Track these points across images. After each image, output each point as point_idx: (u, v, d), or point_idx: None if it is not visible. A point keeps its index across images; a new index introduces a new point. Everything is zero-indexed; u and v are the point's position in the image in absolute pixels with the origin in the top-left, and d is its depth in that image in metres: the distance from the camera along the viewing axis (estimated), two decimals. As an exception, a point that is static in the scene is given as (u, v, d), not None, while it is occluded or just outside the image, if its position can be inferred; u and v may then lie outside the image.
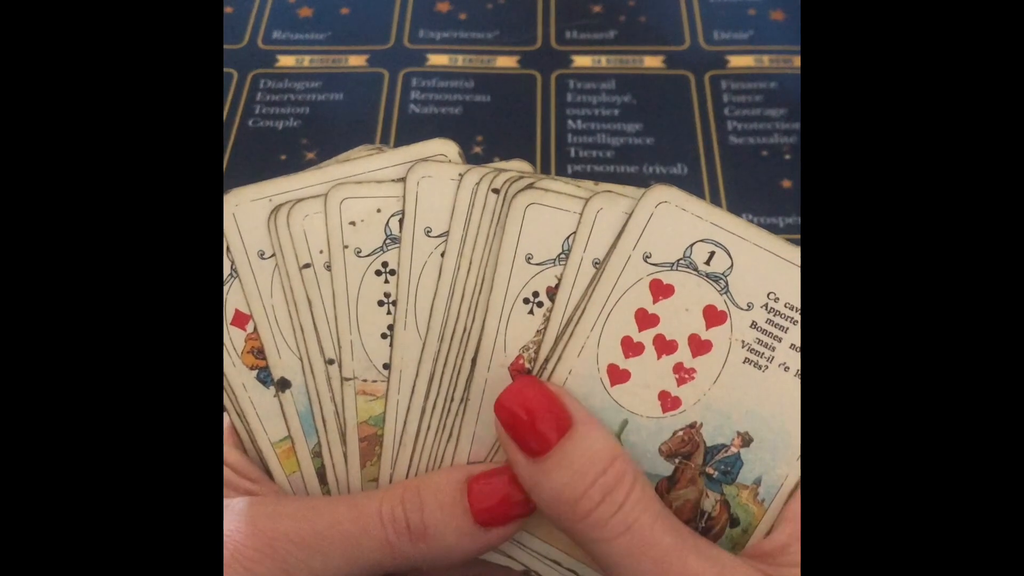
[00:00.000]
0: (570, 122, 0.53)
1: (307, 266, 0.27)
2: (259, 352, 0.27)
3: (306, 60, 0.57)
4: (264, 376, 0.27)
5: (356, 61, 0.57)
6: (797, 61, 0.55)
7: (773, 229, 0.48)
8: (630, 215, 0.26)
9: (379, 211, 0.27)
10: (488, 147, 0.52)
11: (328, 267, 0.27)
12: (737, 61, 0.56)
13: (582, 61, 0.56)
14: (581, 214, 0.26)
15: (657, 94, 0.54)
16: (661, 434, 0.26)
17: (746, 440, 0.26)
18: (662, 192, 0.26)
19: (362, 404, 0.27)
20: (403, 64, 0.57)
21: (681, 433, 0.26)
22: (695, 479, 0.26)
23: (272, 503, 0.25)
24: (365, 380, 0.27)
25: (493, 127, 0.53)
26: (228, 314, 0.27)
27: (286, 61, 0.57)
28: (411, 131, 0.53)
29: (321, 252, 0.27)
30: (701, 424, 0.26)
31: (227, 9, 0.60)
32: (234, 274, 0.27)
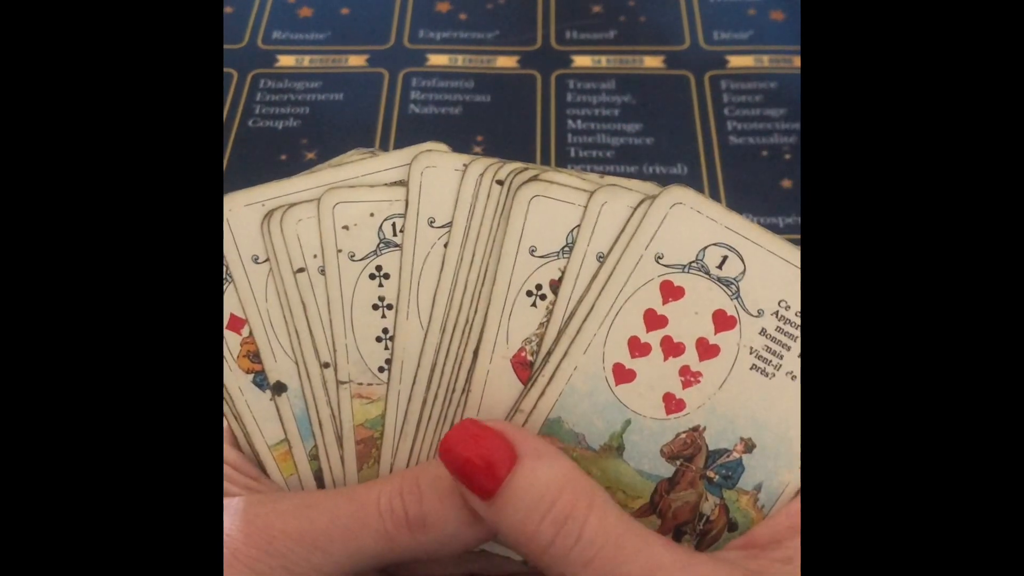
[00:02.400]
0: (570, 122, 0.53)
1: (301, 270, 0.27)
2: (255, 356, 0.27)
3: (306, 60, 0.57)
4: (260, 380, 0.27)
5: (356, 61, 0.57)
6: (797, 61, 0.55)
7: (773, 229, 0.48)
8: (644, 215, 0.26)
9: (372, 215, 0.27)
10: (488, 147, 0.52)
11: (322, 271, 0.27)
12: (737, 61, 0.56)
13: (582, 61, 0.56)
14: (586, 207, 0.26)
15: (657, 94, 0.54)
16: (664, 435, 0.26)
17: (749, 446, 0.25)
18: (678, 193, 0.26)
19: (358, 407, 0.27)
20: (403, 64, 0.57)
21: (684, 436, 0.25)
22: (695, 482, 0.26)
23: (270, 501, 0.25)
24: (360, 383, 0.27)
25: (493, 127, 0.53)
26: (224, 319, 0.27)
27: (286, 61, 0.57)
28: (411, 131, 0.53)
29: (315, 256, 0.27)
30: (704, 428, 0.25)
31: (227, 9, 0.60)
32: (229, 279, 0.27)
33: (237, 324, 0.27)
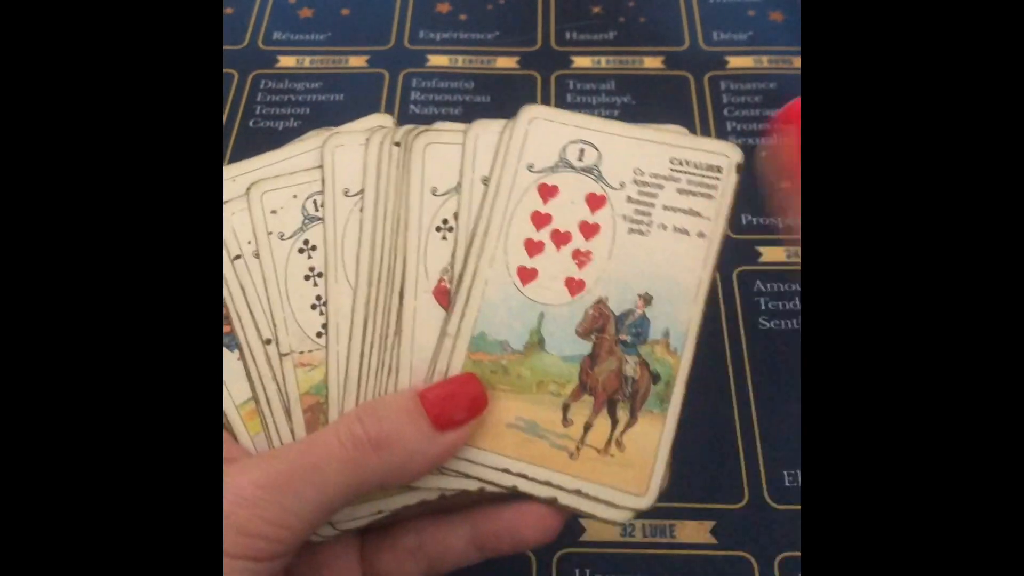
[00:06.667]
0: (570, 122, 0.53)
1: (238, 257, 0.30)
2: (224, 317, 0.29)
3: (306, 61, 0.57)
4: (228, 340, 0.29)
5: (356, 62, 0.57)
6: (797, 61, 0.55)
7: (772, 229, 0.48)
8: (511, 135, 0.30)
9: (295, 196, 0.30)
10: (488, 147, 0.52)
11: (256, 255, 0.30)
12: (736, 62, 0.56)
13: (582, 61, 0.56)
14: (464, 143, 0.30)
15: (657, 94, 0.54)
16: (575, 317, 0.29)
17: (647, 299, 0.29)
18: (532, 110, 0.31)
19: (302, 375, 0.29)
20: (403, 65, 0.57)
21: (591, 311, 0.29)
22: (612, 349, 0.29)
23: (236, 463, 0.26)
24: (302, 352, 0.29)
25: (493, 127, 0.53)
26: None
27: (286, 62, 0.57)
28: (411, 131, 0.53)
29: (249, 243, 0.30)
30: (607, 298, 0.29)
31: (227, 9, 0.60)
32: None
33: None
